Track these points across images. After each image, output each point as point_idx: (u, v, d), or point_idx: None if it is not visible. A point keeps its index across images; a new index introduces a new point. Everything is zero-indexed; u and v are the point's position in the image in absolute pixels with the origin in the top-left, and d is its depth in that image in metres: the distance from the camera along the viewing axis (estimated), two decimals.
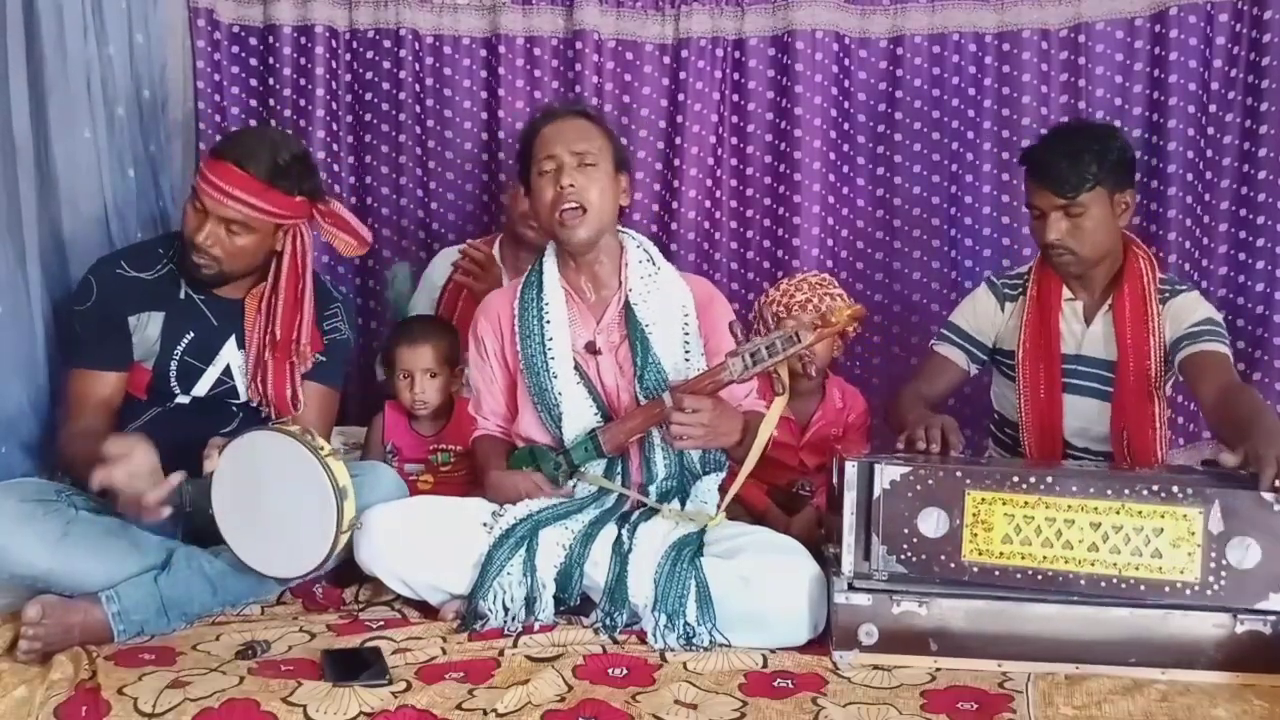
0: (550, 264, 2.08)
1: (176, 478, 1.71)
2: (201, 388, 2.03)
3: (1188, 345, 2.09)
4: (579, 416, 2.00)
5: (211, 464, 1.72)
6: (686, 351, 2.03)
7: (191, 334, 2.01)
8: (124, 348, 2.00)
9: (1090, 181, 2.06)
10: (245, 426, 1.87)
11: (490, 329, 2.10)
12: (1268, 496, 1.57)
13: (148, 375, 2.01)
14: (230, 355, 2.04)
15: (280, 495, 1.70)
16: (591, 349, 2.03)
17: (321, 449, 1.68)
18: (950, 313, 2.42)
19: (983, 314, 2.32)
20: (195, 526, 1.81)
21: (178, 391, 2.02)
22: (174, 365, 2.00)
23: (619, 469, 2.00)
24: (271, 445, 1.70)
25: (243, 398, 2.06)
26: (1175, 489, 1.59)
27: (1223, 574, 1.58)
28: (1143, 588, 1.59)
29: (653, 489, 1.99)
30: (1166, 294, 2.17)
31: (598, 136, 2.02)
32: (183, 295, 2.02)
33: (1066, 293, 2.23)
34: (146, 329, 2.00)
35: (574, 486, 1.99)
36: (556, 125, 2.01)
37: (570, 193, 1.94)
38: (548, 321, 2.02)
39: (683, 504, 1.98)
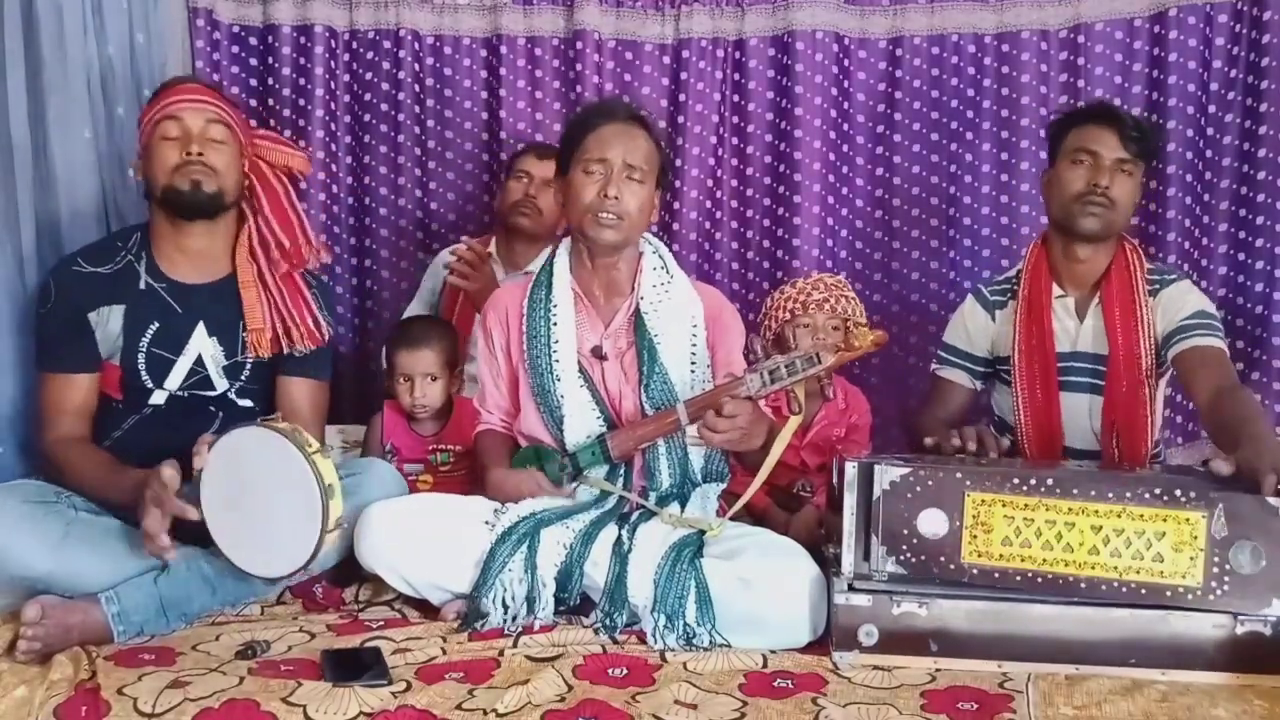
0: (562, 263, 2.06)
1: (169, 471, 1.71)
2: (174, 380, 2.00)
3: (1180, 340, 2.08)
4: (581, 419, 1.99)
5: (200, 461, 1.71)
6: (692, 363, 2.02)
7: (156, 324, 1.99)
8: (89, 348, 1.98)
9: (1148, 146, 2.15)
10: (224, 426, 1.86)
11: (499, 323, 2.10)
12: (1272, 501, 1.55)
13: (118, 372, 1.99)
14: (200, 344, 2.02)
15: (266, 492, 1.68)
16: (597, 354, 2.02)
17: (309, 446, 1.66)
18: (946, 318, 2.43)
19: (975, 329, 2.33)
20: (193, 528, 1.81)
21: (151, 386, 1.99)
22: (141, 358, 1.98)
23: (621, 472, 2.00)
24: (259, 442, 1.69)
25: (218, 390, 2.04)
26: (1178, 492, 1.57)
27: (1225, 579, 1.56)
28: (1144, 591, 1.58)
29: (653, 495, 1.98)
30: (1156, 285, 2.17)
31: (653, 152, 2.00)
32: (143, 285, 2.00)
33: (1057, 290, 2.23)
34: (108, 324, 1.98)
35: (575, 489, 1.99)
36: (617, 128, 1.97)
37: (613, 204, 1.93)
38: (555, 323, 2.01)
39: (682, 508, 1.98)
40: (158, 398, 2.01)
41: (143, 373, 1.99)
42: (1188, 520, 1.56)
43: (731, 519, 1.95)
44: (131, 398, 2.00)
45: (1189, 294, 2.15)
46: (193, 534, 1.82)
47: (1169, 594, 1.58)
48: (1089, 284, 2.22)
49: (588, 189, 1.95)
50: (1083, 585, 1.60)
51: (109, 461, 1.90)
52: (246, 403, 2.08)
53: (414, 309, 2.79)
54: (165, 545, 1.68)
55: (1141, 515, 1.58)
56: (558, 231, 2.82)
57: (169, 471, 1.70)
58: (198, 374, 2.02)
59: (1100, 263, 2.20)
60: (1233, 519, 1.55)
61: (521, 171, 2.71)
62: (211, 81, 2.25)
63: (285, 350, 2.06)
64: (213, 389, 2.04)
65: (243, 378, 2.06)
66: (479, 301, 2.50)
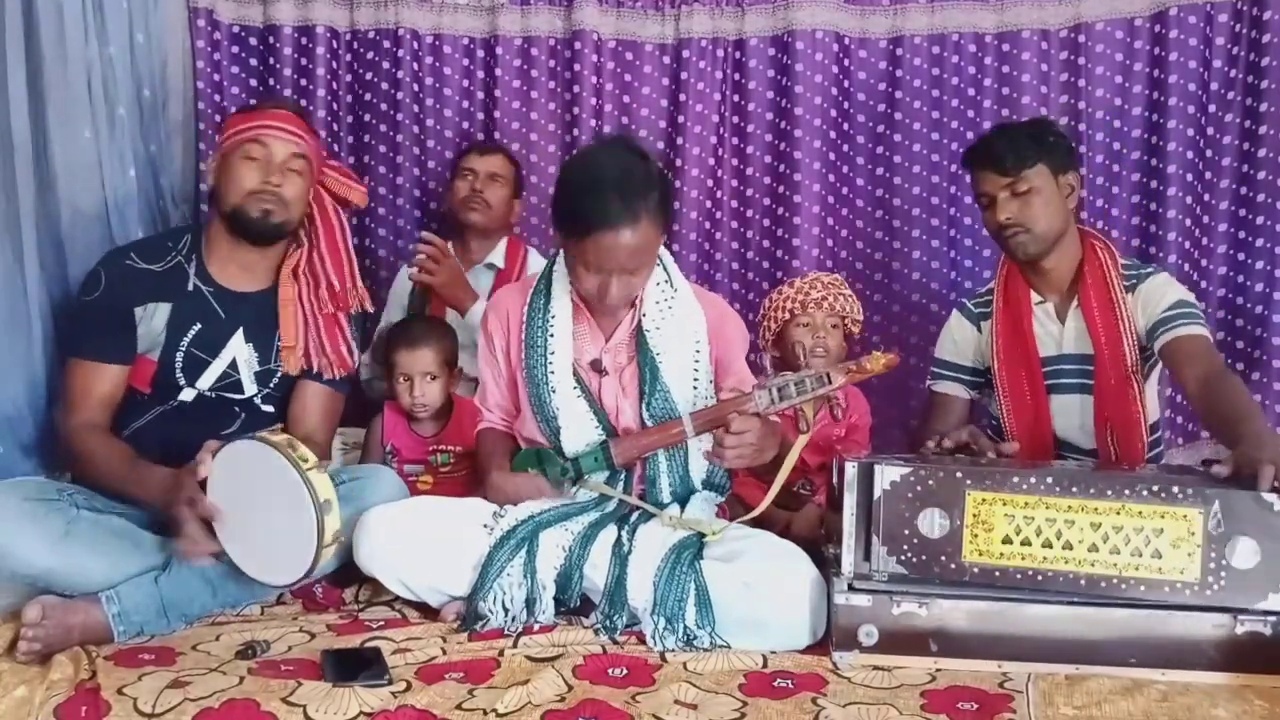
0: (561, 273, 2.02)
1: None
2: (206, 380, 2.04)
3: (1164, 331, 2.08)
4: (579, 430, 1.98)
5: (205, 469, 1.71)
6: (695, 379, 2.01)
7: (198, 326, 2.02)
8: (128, 341, 2.00)
9: (1031, 158, 2.12)
10: (245, 428, 1.86)
11: (499, 325, 2.09)
12: (1268, 497, 1.56)
13: (153, 367, 2.01)
14: (237, 349, 2.06)
15: (265, 505, 1.69)
16: (597, 367, 2.00)
17: (305, 461, 1.65)
18: (946, 318, 2.43)
19: (962, 341, 2.34)
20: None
21: (182, 384, 2.02)
22: (180, 357, 2.01)
23: (621, 477, 1.99)
24: (256, 455, 1.68)
25: (246, 394, 2.07)
26: (1175, 489, 1.59)
27: (1222, 574, 1.57)
28: (1143, 588, 1.59)
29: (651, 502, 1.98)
30: (1133, 280, 2.17)
31: (653, 235, 1.86)
32: (191, 287, 2.04)
33: (1035, 296, 2.24)
34: (152, 320, 2.01)
35: (575, 493, 1.98)
36: (617, 237, 1.81)
37: (614, 299, 1.90)
38: (551, 335, 1.99)
39: (681, 510, 1.97)
40: (186, 395, 2.04)
41: (178, 370, 2.02)
42: (1185, 517, 1.58)
43: (730, 519, 1.95)
44: (161, 393, 2.03)
45: (1166, 285, 2.15)
46: None
47: (1167, 589, 1.59)
48: (1064, 288, 2.23)
49: (588, 281, 1.89)
50: (1082, 582, 1.60)
51: (130, 455, 1.91)
52: (269, 408, 2.11)
53: (390, 319, 2.77)
54: (212, 549, 1.71)
55: (1140, 512, 1.59)
56: (509, 223, 2.85)
57: (204, 466, 1.72)
58: (230, 377, 2.05)
59: (1067, 266, 2.21)
60: (1229, 515, 1.57)
61: (466, 169, 2.77)
62: (301, 109, 2.36)
63: (314, 370, 2.11)
64: (241, 392, 2.07)
65: (271, 385, 2.10)
66: (447, 296, 2.54)
